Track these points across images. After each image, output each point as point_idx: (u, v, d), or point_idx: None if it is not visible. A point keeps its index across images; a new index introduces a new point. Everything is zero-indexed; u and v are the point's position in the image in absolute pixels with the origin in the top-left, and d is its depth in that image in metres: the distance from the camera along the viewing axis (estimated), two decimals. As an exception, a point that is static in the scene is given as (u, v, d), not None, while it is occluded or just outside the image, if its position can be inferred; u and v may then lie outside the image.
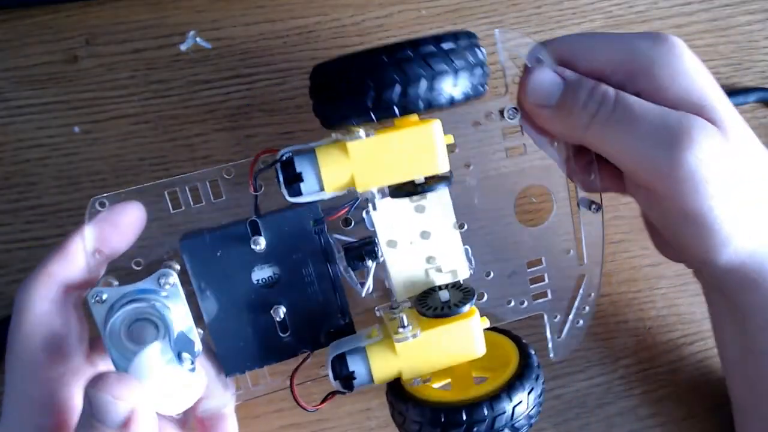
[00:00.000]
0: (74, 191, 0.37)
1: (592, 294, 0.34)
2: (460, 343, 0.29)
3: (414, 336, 0.28)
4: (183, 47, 0.39)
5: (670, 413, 0.37)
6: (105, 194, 0.29)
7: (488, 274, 0.33)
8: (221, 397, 0.30)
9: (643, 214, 0.33)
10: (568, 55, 0.30)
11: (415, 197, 0.30)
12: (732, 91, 0.42)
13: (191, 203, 0.31)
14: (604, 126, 0.28)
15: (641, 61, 0.29)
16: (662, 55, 0.28)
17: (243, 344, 0.30)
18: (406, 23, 0.41)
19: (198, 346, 0.28)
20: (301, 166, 0.27)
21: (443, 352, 0.29)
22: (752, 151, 0.29)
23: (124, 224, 0.29)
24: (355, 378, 0.28)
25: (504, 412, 0.27)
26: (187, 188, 0.30)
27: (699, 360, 0.37)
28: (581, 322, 0.33)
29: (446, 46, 0.26)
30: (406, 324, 0.28)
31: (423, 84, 0.26)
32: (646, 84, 0.28)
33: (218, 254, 0.29)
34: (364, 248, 0.30)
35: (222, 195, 0.31)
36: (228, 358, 0.30)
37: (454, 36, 0.27)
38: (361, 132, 0.27)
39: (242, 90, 0.39)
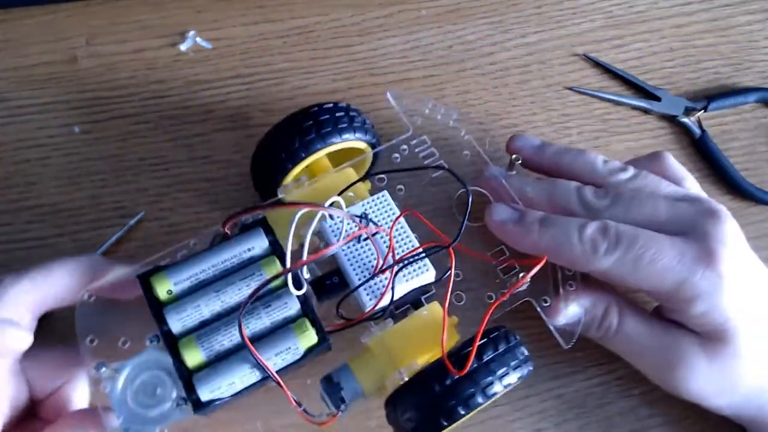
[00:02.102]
0: (74, 191, 0.37)
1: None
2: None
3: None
4: (183, 47, 0.39)
5: (670, 413, 0.37)
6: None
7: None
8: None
9: None
10: (621, 275, 0.31)
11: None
12: (732, 91, 0.42)
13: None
14: (609, 342, 0.34)
15: (685, 293, 0.30)
16: (708, 289, 0.30)
17: None
18: (406, 23, 0.41)
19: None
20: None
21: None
22: (741, 369, 0.31)
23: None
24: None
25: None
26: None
27: (699, 360, 0.37)
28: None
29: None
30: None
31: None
32: (678, 310, 0.31)
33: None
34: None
35: None
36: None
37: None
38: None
39: (242, 90, 0.39)
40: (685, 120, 0.41)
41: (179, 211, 0.37)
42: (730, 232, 0.31)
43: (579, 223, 0.32)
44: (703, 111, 0.42)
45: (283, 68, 0.40)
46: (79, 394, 0.31)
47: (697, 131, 0.41)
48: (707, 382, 0.31)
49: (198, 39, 0.40)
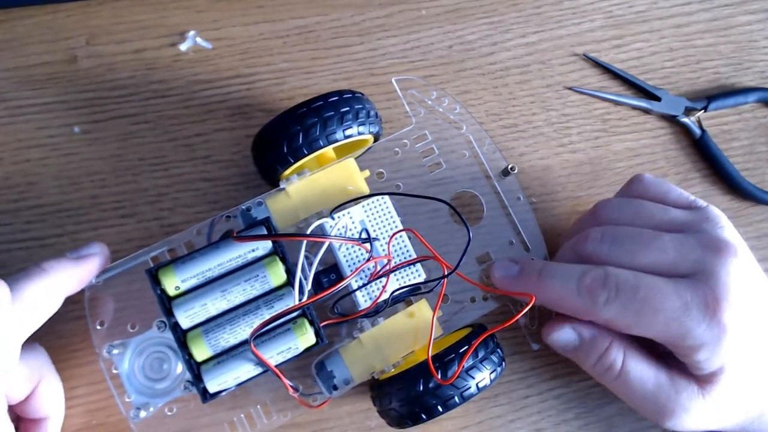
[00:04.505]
0: (74, 191, 0.37)
1: None
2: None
3: (374, 324, 0.32)
4: (183, 47, 0.39)
5: (670, 413, 0.37)
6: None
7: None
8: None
9: None
10: (623, 325, 0.31)
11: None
12: (732, 91, 0.42)
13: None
14: (609, 383, 0.33)
15: (689, 344, 0.30)
16: (711, 340, 0.29)
17: None
18: (406, 23, 0.41)
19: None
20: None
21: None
22: (734, 407, 0.31)
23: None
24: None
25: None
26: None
27: (699, 360, 0.37)
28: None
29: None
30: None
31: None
32: (681, 355, 0.31)
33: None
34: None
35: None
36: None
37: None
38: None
39: (242, 90, 0.39)
40: (685, 120, 0.41)
41: (179, 211, 0.37)
42: (737, 271, 0.30)
43: (578, 272, 0.31)
44: (703, 111, 0.42)
45: (283, 68, 0.40)
46: (54, 389, 0.31)
47: (697, 131, 0.41)
48: (701, 419, 0.31)
49: (198, 39, 0.40)
